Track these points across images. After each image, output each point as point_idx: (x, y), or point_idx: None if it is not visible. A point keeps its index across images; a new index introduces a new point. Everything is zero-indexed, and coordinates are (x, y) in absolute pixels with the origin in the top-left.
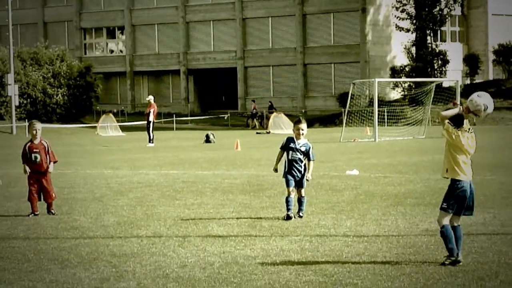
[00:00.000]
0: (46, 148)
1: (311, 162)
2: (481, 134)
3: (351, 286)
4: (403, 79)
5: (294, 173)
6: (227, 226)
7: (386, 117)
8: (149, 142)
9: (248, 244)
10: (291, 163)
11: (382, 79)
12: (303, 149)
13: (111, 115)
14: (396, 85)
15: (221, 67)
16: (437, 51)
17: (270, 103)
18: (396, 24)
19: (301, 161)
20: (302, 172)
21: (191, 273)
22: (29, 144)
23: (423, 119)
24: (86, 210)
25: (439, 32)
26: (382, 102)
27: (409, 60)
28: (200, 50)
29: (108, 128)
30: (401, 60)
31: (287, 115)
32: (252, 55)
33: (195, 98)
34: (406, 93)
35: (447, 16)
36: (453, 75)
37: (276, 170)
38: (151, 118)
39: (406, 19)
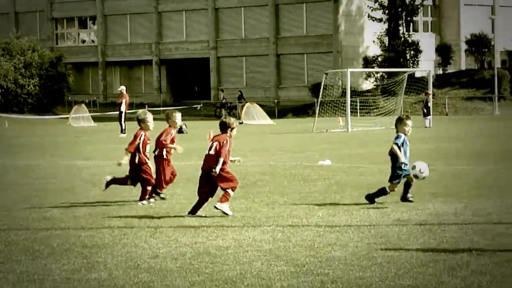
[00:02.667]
0: None
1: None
2: (454, 124)
3: (323, 276)
4: (376, 69)
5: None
6: (199, 216)
7: (358, 107)
8: (121, 132)
9: (220, 234)
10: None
11: (355, 69)
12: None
13: (83, 105)
14: (368, 75)
15: (194, 57)
16: (410, 41)
17: (240, 93)
18: (368, 14)
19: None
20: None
21: (162, 264)
22: None
23: (396, 109)
24: (58, 201)
25: (411, 22)
26: (354, 93)
27: (382, 50)
28: (173, 40)
29: (80, 118)
30: (374, 50)
31: (260, 106)
32: (225, 45)
33: (167, 88)
34: (378, 83)
35: (419, 6)
36: (426, 65)
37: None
38: (123, 108)
39: (379, 9)
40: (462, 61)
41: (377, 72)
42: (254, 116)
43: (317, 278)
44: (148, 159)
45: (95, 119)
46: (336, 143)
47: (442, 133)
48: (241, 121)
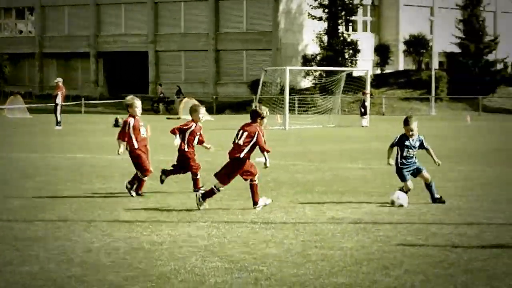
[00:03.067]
0: None
1: (430, 150)
2: (390, 124)
3: (257, 273)
4: (314, 67)
5: (410, 167)
6: (134, 211)
7: (296, 105)
8: (57, 125)
9: (155, 230)
10: (406, 159)
11: (294, 67)
12: (417, 144)
13: (19, 96)
14: (307, 73)
15: (132, 50)
16: (349, 40)
17: (178, 88)
18: (308, 13)
19: (415, 156)
20: (416, 161)
21: (96, 258)
22: None
23: (333, 108)
24: None
25: (351, 21)
26: (293, 90)
27: (321, 49)
28: (111, 33)
29: (16, 110)
30: (313, 48)
31: (198, 101)
32: (164, 39)
33: (104, 82)
34: (317, 81)
35: (358, 5)
36: (364, 65)
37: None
38: (59, 100)
39: (319, 7)
40: (400, 62)
41: (315, 71)
42: None
43: (252, 274)
44: (139, 144)
45: (31, 110)
46: (274, 140)
47: (378, 133)
48: (178, 116)
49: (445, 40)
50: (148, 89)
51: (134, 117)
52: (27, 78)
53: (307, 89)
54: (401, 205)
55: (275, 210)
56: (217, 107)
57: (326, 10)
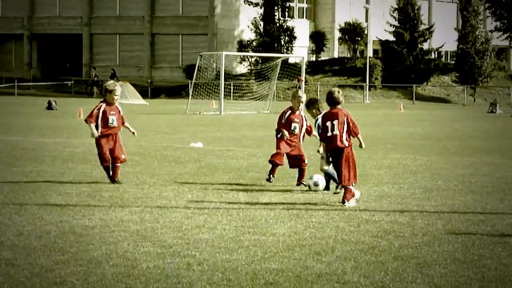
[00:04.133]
0: None
1: None
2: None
3: (189, 258)
4: (250, 53)
5: None
6: (66, 195)
7: (232, 90)
8: None
9: (87, 214)
10: None
11: (229, 53)
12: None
13: None
14: (243, 59)
15: (66, 33)
16: (285, 27)
17: (112, 71)
18: None
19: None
20: None
21: (26, 242)
22: None
23: (269, 94)
24: None
25: (287, 8)
26: (228, 76)
27: (257, 35)
28: (45, 15)
29: None
30: (249, 34)
31: (133, 85)
32: (99, 22)
33: (38, 64)
34: (252, 67)
35: None
36: (300, 51)
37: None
38: None
39: None
40: (335, 49)
41: (251, 57)
42: (127, 95)
43: (184, 260)
44: (108, 132)
45: None
46: (208, 125)
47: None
48: None
49: (380, 28)
50: (82, 72)
51: (109, 103)
52: None
53: (242, 75)
54: (318, 190)
55: (209, 195)
56: (152, 91)
57: None
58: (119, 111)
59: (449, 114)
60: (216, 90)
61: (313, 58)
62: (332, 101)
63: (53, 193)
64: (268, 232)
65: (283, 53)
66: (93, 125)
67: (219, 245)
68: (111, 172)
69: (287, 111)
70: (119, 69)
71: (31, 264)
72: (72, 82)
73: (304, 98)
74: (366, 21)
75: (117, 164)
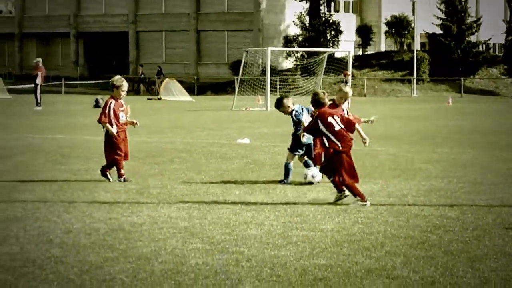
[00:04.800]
0: None
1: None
2: (372, 105)
3: (238, 254)
4: (296, 48)
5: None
6: (114, 192)
7: (278, 86)
8: (36, 105)
9: (135, 211)
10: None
11: (275, 48)
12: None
13: None
14: (289, 54)
15: (113, 31)
16: (330, 21)
17: (159, 68)
18: None
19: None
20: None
21: (75, 239)
22: None
23: (315, 89)
24: None
25: (332, 2)
26: (274, 71)
27: (302, 30)
28: (91, 13)
29: None
30: (295, 29)
31: (179, 82)
32: (145, 19)
33: (84, 62)
34: (298, 62)
35: None
36: (346, 46)
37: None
38: (39, 81)
39: None
40: (382, 43)
41: (297, 52)
42: (173, 92)
43: (232, 256)
44: (121, 128)
45: (10, 91)
46: (255, 121)
47: (359, 114)
48: (159, 97)
49: (427, 21)
50: (129, 69)
51: (116, 99)
52: (7, 58)
53: (288, 70)
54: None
55: (256, 191)
56: (198, 88)
57: None
58: (125, 107)
59: (498, 107)
60: (262, 86)
61: (360, 52)
62: (318, 102)
63: (101, 190)
64: (316, 228)
65: (329, 47)
66: (108, 125)
67: (267, 241)
68: (120, 169)
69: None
70: (165, 66)
71: (81, 262)
72: None
73: (350, 93)
74: (413, 14)
75: (126, 160)
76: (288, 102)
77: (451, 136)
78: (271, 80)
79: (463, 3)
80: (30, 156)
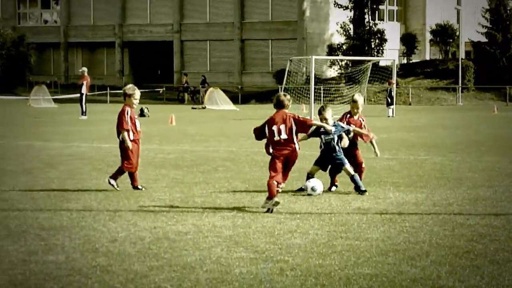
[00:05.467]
0: None
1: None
2: (417, 114)
3: (282, 263)
4: (340, 57)
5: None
6: (159, 201)
7: (322, 95)
8: (82, 114)
9: (180, 219)
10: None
11: (319, 57)
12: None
13: (44, 86)
14: (333, 63)
15: (157, 40)
16: (375, 29)
17: (203, 78)
18: (334, 1)
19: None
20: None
21: (121, 248)
22: None
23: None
24: (16, 182)
25: (377, 10)
26: (318, 80)
27: (347, 38)
28: (136, 23)
29: (41, 99)
30: (339, 38)
31: (223, 91)
32: (189, 29)
33: (129, 71)
34: (342, 71)
35: None
36: (390, 54)
37: None
38: (84, 90)
39: None
40: (427, 51)
41: (341, 60)
42: (217, 101)
43: (277, 265)
44: (134, 137)
45: (56, 100)
46: None
47: (405, 123)
48: (203, 106)
49: (472, 29)
50: (173, 78)
51: (131, 107)
52: (52, 67)
53: (332, 78)
54: (319, 194)
55: (300, 200)
56: (242, 97)
57: None
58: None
59: None
60: (306, 95)
61: (404, 61)
62: (279, 104)
63: (146, 199)
64: (361, 237)
65: (374, 56)
66: (126, 133)
67: (311, 250)
68: (131, 179)
69: (346, 115)
70: (209, 75)
71: (126, 270)
72: (164, 89)
73: (359, 100)
74: (458, 22)
75: (136, 171)
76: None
77: (496, 145)
78: (315, 88)
79: (508, 11)
80: (76, 165)
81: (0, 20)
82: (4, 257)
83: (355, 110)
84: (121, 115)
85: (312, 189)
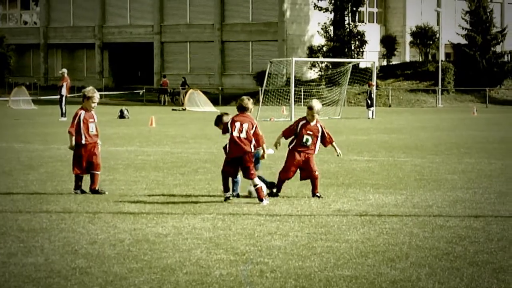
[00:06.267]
0: None
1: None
2: (397, 116)
3: (262, 265)
4: (320, 59)
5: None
6: (139, 203)
7: (302, 96)
8: (62, 116)
9: (160, 221)
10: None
11: (300, 59)
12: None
13: (23, 88)
14: (313, 64)
15: (137, 41)
16: (355, 31)
17: (183, 79)
18: (314, 4)
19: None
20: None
21: (100, 250)
22: None
23: (339, 99)
24: None
25: (357, 12)
26: (299, 82)
27: (327, 40)
28: (116, 24)
29: (20, 101)
30: (319, 39)
31: (204, 92)
32: (169, 30)
33: (109, 73)
34: (323, 73)
35: None
36: (370, 56)
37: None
38: (64, 91)
39: None
40: (407, 53)
41: (322, 62)
42: (198, 103)
43: (257, 267)
44: (90, 140)
45: (35, 102)
46: (279, 132)
47: (385, 125)
48: (184, 108)
49: (451, 31)
50: (153, 80)
51: (86, 110)
52: (32, 69)
53: (313, 80)
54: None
55: (280, 202)
56: (222, 99)
57: (332, 1)
58: (95, 119)
59: None
60: (286, 97)
61: (384, 63)
62: (241, 107)
63: (126, 201)
64: (341, 239)
65: (354, 58)
66: (73, 137)
67: (291, 252)
68: (90, 182)
69: (301, 121)
70: (189, 76)
71: (105, 272)
72: (144, 90)
73: (316, 107)
74: (438, 24)
75: (97, 172)
76: (228, 118)
77: (476, 147)
78: (295, 90)
79: (488, 13)
80: (56, 167)
81: None
82: None
83: (310, 117)
84: (72, 118)
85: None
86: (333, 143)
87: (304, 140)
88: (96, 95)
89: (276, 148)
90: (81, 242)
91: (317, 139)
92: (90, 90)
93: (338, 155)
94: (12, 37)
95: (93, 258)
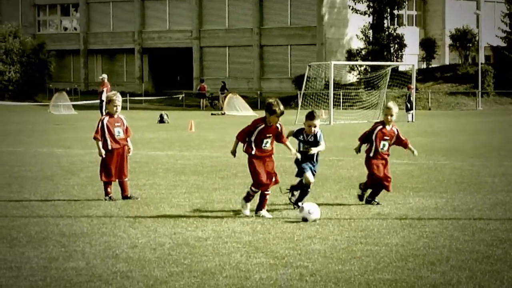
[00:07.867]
0: None
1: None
2: (436, 119)
3: (302, 269)
4: (359, 62)
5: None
6: (178, 207)
7: (341, 100)
8: None
9: (200, 225)
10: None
11: (338, 62)
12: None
13: (64, 93)
14: (352, 68)
15: (177, 46)
16: (394, 35)
17: (223, 84)
18: (352, 7)
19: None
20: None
21: (141, 254)
22: None
23: (378, 103)
24: (36, 189)
25: (396, 15)
26: (337, 85)
27: (365, 44)
28: (156, 29)
29: (61, 106)
30: (357, 43)
31: (242, 97)
32: (208, 35)
33: (149, 78)
34: (362, 76)
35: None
36: (410, 59)
37: None
38: (104, 97)
39: (363, 1)
40: (446, 56)
41: (360, 65)
42: (236, 107)
43: (296, 270)
44: (117, 145)
45: (75, 107)
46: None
47: (424, 128)
48: (223, 112)
49: (491, 34)
50: (193, 84)
51: (111, 115)
52: (72, 74)
53: (352, 84)
54: (315, 220)
55: (320, 206)
56: (261, 103)
57: (371, 4)
58: (123, 123)
59: None
60: (325, 100)
61: (424, 66)
62: (271, 110)
63: (166, 205)
64: (381, 242)
65: (393, 61)
66: (100, 143)
67: (331, 256)
68: (121, 190)
69: (377, 126)
70: (229, 81)
71: (146, 276)
72: (183, 95)
73: (394, 109)
74: (477, 27)
75: (126, 180)
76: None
77: None
78: (334, 94)
79: None
80: (96, 172)
81: (20, 28)
82: (24, 263)
83: (389, 118)
84: (97, 124)
85: (309, 211)
86: (409, 145)
87: (381, 146)
88: (117, 98)
89: (357, 153)
90: (122, 246)
91: (392, 142)
92: (111, 93)
93: (414, 155)
94: (53, 43)
95: (134, 262)
